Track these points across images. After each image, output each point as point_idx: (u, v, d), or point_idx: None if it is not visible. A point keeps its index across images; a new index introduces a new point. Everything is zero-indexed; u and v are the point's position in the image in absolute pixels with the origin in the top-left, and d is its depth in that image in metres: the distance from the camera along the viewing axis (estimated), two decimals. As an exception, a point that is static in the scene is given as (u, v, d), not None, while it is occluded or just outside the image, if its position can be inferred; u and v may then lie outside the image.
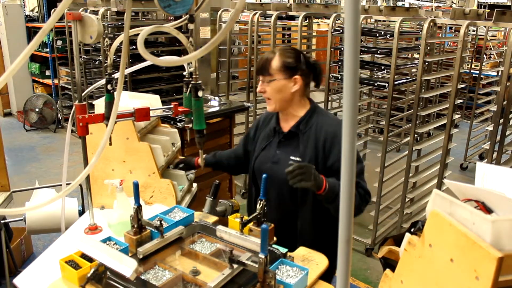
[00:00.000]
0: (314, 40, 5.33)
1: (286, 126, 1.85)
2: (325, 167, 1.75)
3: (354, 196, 0.56)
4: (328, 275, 1.70)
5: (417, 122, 3.17)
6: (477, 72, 5.30)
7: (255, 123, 2.03)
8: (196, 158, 2.10)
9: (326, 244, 1.69)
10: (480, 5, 9.33)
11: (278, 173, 1.73)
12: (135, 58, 3.94)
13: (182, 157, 2.28)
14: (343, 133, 0.53)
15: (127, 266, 1.21)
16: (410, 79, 3.96)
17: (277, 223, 1.76)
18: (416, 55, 4.80)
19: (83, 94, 1.71)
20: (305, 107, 1.84)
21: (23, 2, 6.88)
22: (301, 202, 1.80)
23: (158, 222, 1.51)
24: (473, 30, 5.98)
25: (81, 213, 2.26)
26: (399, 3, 9.78)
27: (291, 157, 1.77)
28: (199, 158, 1.95)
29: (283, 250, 1.49)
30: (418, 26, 5.88)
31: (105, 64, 2.92)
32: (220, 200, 1.90)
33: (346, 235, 0.56)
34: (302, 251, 1.58)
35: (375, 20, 4.93)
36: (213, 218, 1.77)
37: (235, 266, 1.34)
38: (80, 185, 2.41)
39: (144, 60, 0.95)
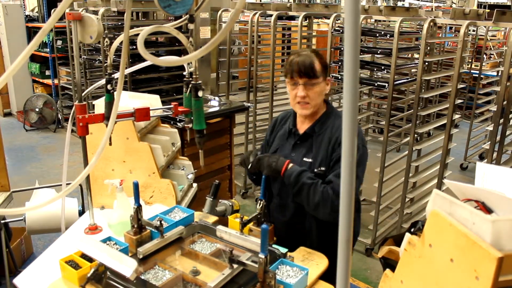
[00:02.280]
0: (314, 40, 5.33)
1: (302, 127, 1.83)
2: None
3: (354, 196, 0.56)
4: (332, 276, 1.71)
5: (417, 122, 3.17)
6: (477, 72, 5.30)
7: (272, 124, 1.99)
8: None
9: (330, 245, 1.70)
10: (480, 5, 9.33)
11: None
12: (135, 58, 3.93)
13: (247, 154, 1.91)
14: (343, 133, 0.53)
15: (127, 266, 1.21)
16: (410, 79, 3.96)
17: (289, 223, 1.80)
18: (416, 55, 4.80)
19: (83, 94, 1.71)
20: (322, 108, 1.83)
21: (23, 2, 6.88)
22: None
23: (158, 222, 1.51)
24: (473, 30, 5.98)
25: (81, 213, 2.26)
26: (399, 3, 9.78)
27: (304, 159, 1.77)
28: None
29: (283, 250, 1.49)
30: (418, 26, 5.88)
31: (105, 64, 2.92)
32: (220, 200, 1.90)
33: (346, 235, 0.56)
34: (302, 251, 1.58)
35: (375, 20, 4.93)
36: (213, 218, 1.77)
37: (235, 266, 1.34)
38: (80, 185, 2.41)
39: (144, 60, 0.95)
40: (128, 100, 2.06)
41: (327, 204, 1.65)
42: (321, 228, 1.80)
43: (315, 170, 1.73)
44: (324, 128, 1.78)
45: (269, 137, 1.96)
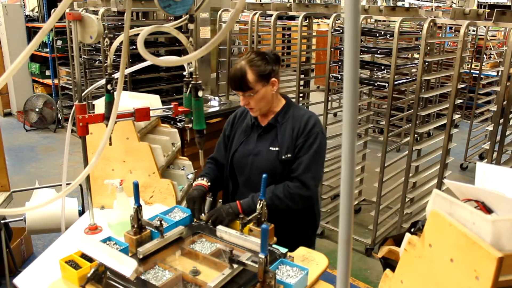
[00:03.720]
0: (314, 40, 5.33)
1: (264, 120, 1.90)
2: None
3: (353, 196, 0.56)
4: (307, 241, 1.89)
5: (417, 122, 3.17)
6: (477, 72, 5.30)
7: (230, 121, 2.04)
8: (204, 186, 1.87)
9: (302, 218, 1.90)
10: (480, 5, 9.33)
11: (259, 164, 1.85)
12: (135, 58, 3.93)
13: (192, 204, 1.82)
14: (343, 134, 0.53)
15: (127, 266, 1.21)
16: (410, 79, 3.96)
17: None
18: (416, 55, 4.80)
19: (83, 94, 1.71)
20: (281, 102, 1.91)
21: (23, 2, 6.88)
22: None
23: (158, 222, 1.51)
24: (473, 30, 5.98)
25: (81, 213, 2.26)
26: (399, 3, 9.78)
27: (270, 148, 1.84)
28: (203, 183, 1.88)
29: (283, 250, 1.49)
30: (418, 26, 5.88)
31: (105, 64, 2.92)
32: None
33: (346, 235, 0.56)
34: (302, 251, 1.58)
35: (375, 20, 4.93)
36: (213, 218, 1.76)
37: (235, 266, 1.34)
38: (80, 185, 2.41)
39: (144, 60, 0.95)
40: (128, 100, 2.06)
41: (295, 199, 1.78)
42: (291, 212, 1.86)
43: (283, 157, 1.82)
44: (286, 118, 1.87)
45: (230, 132, 2.00)
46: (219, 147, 2.05)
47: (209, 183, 1.87)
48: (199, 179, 1.90)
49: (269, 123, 1.88)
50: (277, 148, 1.83)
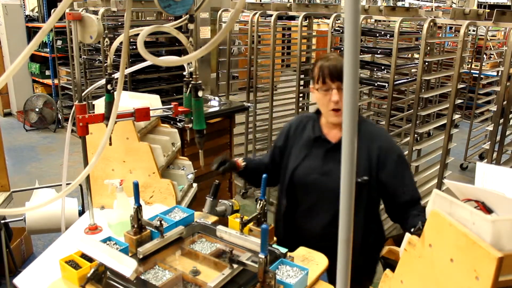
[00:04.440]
0: (314, 40, 5.32)
1: (332, 135, 1.74)
2: (377, 179, 1.69)
3: (353, 196, 0.56)
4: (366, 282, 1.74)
5: (417, 122, 3.17)
6: (477, 72, 5.30)
7: (284, 132, 1.88)
8: (236, 160, 1.88)
9: (373, 251, 1.71)
10: (480, 5, 9.33)
11: (329, 185, 1.65)
12: (135, 58, 3.93)
13: (222, 157, 1.86)
14: (343, 134, 0.53)
15: (127, 266, 1.21)
16: (410, 79, 3.96)
17: (322, 234, 1.73)
18: (416, 55, 4.80)
19: (83, 94, 1.71)
20: None
21: (23, 2, 6.88)
22: (355, 212, 1.76)
23: (158, 222, 1.51)
24: (473, 30, 5.98)
25: (81, 213, 2.26)
26: (399, 3, 9.78)
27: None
28: (238, 160, 1.84)
29: (283, 250, 1.49)
30: (418, 26, 5.88)
31: (105, 64, 2.92)
32: (220, 200, 1.89)
33: (346, 235, 0.56)
34: (302, 251, 1.58)
35: (375, 20, 4.92)
36: (213, 218, 1.77)
37: (235, 266, 1.34)
38: (80, 185, 2.41)
39: (144, 60, 0.95)
40: (128, 100, 2.06)
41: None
42: (364, 236, 1.71)
43: (359, 180, 1.64)
44: (359, 136, 1.66)
45: (282, 144, 1.85)
46: (265, 156, 1.94)
47: (244, 164, 1.82)
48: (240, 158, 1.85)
49: (341, 140, 1.73)
50: None
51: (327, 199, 1.68)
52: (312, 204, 1.77)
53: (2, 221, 2.61)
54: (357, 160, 1.77)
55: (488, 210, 0.97)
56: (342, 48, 3.59)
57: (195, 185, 2.34)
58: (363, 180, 1.64)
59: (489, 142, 3.01)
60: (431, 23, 3.01)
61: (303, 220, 1.80)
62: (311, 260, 1.52)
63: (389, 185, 1.69)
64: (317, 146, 1.75)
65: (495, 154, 2.99)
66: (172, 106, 1.87)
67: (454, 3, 8.58)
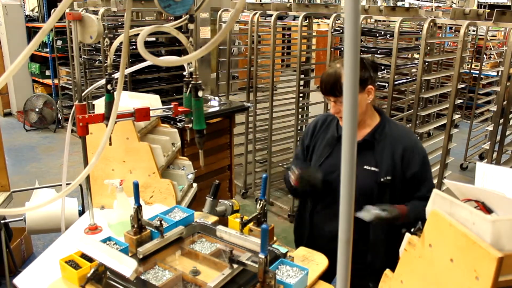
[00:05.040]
0: (314, 40, 5.33)
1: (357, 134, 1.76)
2: (404, 178, 1.69)
3: (353, 196, 0.56)
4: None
5: (417, 122, 3.16)
6: (477, 72, 5.30)
7: (309, 130, 1.89)
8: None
9: (397, 248, 1.71)
10: (480, 5, 9.33)
11: None
12: (135, 58, 3.93)
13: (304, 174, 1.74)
14: (343, 134, 0.53)
15: (127, 266, 1.21)
16: (410, 79, 3.95)
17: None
18: (416, 55, 4.79)
19: (83, 94, 1.71)
20: (376, 116, 1.75)
21: (23, 2, 6.88)
22: None
23: (158, 222, 1.51)
24: (473, 30, 5.98)
25: (81, 213, 2.26)
26: (399, 3, 9.78)
27: (365, 167, 1.68)
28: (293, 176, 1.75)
29: (283, 250, 1.49)
30: (418, 26, 5.88)
31: (105, 64, 2.92)
32: (220, 200, 1.90)
33: (346, 235, 0.56)
34: (302, 251, 1.58)
35: (375, 20, 4.93)
36: (213, 218, 1.77)
37: (235, 266, 1.34)
38: (80, 185, 2.41)
39: (144, 60, 0.95)
40: (128, 100, 2.06)
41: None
42: (389, 238, 1.70)
43: (381, 179, 1.66)
44: (383, 136, 1.70)
45: (309, 142, 1.85)
46: (297, 159, 1.92)
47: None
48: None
49: (364, 139, 1.70)
50: (373, 168, 1.66)
51: None
52: (332, 203, 1.75)
53: (2, 221, 2.61)
54: (381, 160, 1.66)
55: (488, 210, 0.97)
56: (342, 48, 3.59)
57: (195, 185, 2.34)
58: (386, 180, 1.66)
59: (489, 142, 3.01)
60: (431, 23, 3.01)
61: (323, 220, 1.80)
62: (311, 260, 1.52)
63: (410, 185, 1.71)
64: (340, 145, 1.75)
65: (495, 154, 2.99)
66: (172, 106, 1.87)
67: (454, 3, 8.58)
